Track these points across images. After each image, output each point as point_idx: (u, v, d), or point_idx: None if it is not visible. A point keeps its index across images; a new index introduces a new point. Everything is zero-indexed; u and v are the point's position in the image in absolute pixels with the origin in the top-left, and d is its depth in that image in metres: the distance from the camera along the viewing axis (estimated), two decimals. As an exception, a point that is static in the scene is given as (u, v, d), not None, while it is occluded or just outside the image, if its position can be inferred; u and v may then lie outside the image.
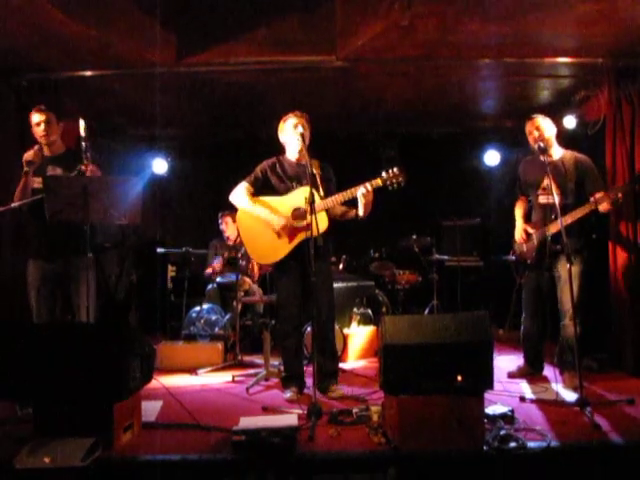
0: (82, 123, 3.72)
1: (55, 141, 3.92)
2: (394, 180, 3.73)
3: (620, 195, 3.92)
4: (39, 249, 3.86)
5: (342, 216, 4.05)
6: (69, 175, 3.76)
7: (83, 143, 3.72)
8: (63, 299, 3.91)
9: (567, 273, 3.83)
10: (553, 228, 4.05)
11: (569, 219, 3.90)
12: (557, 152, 4.19)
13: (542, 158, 4.14)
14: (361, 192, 3.74)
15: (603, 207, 3.96)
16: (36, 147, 3.73)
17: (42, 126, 3.83)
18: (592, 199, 3.98)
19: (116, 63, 4.74)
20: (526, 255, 4.25)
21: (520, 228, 4.35)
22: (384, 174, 3.75)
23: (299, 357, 4.10)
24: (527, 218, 4.41)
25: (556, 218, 3.99)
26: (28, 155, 3.69)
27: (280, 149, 4.14)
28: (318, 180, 3.91)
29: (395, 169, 3.75)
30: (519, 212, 4.45)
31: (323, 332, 3.93)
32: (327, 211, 3.90)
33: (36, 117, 3.85)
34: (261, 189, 4.03)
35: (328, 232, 3.91)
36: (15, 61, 4.60)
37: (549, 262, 4.14)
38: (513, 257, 4.45)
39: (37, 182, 3.73)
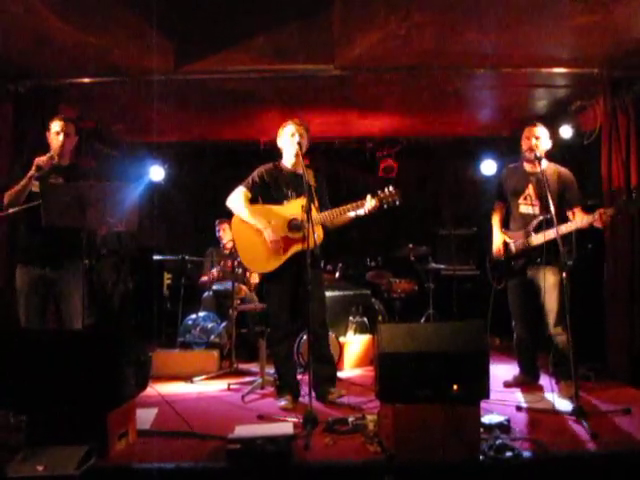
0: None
1: (67, 152, 3.91)
2: (389, 199, 3.78)
3: (605, 221, 3.84)
4: (30, 255, 3.84)
5: (339, 226, 4.09)
6: (66, 182, 3.76)
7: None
8: (54, 305, 3.89)
9: (548, 283, 3.88)
10: (534, 241, 4.07)
11: (551, 235, 3.86)
12: (542, 164, 4.21)
13: (527, 167, 4.18)
14: (357, 214, 3.86)
15: (583, 224, 3.90)
16: (50, 154, 3.71)
17: (61, 136, 3.83)
18: (577, 218, 3.97)
19: (114, 70, 4.74)
20: (513, 258, 4.25)
21: (499, 239, 4.35)
22: (380, 193, 3.80)
23: (290, 364, 4.11)
24: (504, 225, 4.43)
25: (536, 230, 4.03)
26: (41, 160, 3.65)
27: (278, 155, 4.16)
28: (313, 191, 3.92)
29: (391, 188, 3.80)
30: (496, 220, 4.47)
31: (316, 340, 3.93)
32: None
33: (57, 126, 3.85)
34: (258, 194, 4.04)
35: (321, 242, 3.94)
36: (13, 68, 4.60)
37: (528, 272, 4.17)
38: (489, 264, 4.46)
39: (35, 185, 3.72)
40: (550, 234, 3.87)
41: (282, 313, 3.98)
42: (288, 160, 4.06)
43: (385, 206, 3.80)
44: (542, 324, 4.19)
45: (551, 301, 4.03)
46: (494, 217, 4.49)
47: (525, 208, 4.23)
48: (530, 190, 4.19)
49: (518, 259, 4.21)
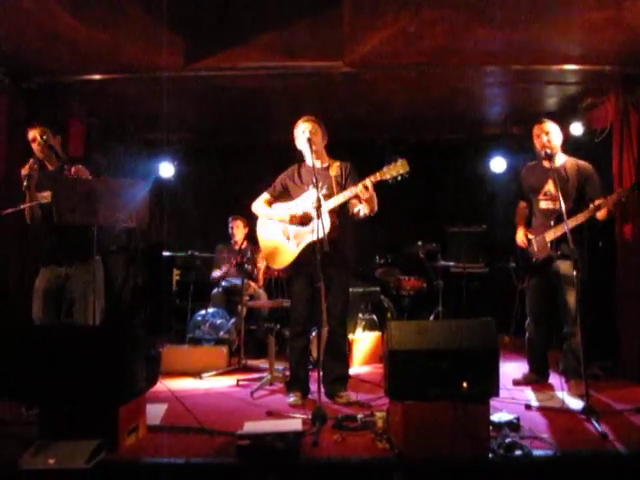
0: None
1: (52, 155, 3.91)
2: (395, 173, 3.58)
3: (617, 200, 3.87)
4: (45, 253, 3.88)
5: (355, 215, 3.96)
6: (77, 178, 3.77)
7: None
8: (69, 302, 3.91)
9: (567, 279, 3.86)
10: (552, 234, 4.05)
11: (569, 225, 3.84)
12: (560, 158, 4.19)
13: (545, 164, 4.15)
14: (359, 189, 3.65)
15: (601, 214, 3.93)
16: (31, 160, 3.74)
17: (37, 141, 3.85)
18: (591, 205, 3.95)
19: (124, 67, 4.76)
20: (536, 255, 4.23)
21: (521, 233, 4.34)
22: (385, 168, 3.61)
23: (304, 361, 4.10)
24: (527, 223, 4.40)
25: (556, 224, 4.01)
26: (24, 169, 3.70)
27: (297, 153, 4.15)
28: (334, 182, 3.92)
29: (398, 161, 3.59)
30: (519, 217, 4.46)
31: (333, 337, 3.94)
32: (344, 212, 3.90)
33: (30, 134, 3.87)
34: (282, 198, 4.10)
35: (344, 238, 3.92)
36: (25, 65, 4.63)
37: (549, 268, 4.13)
38: (513, 263, 4.44)
39: (44, 197, 3.75)
40: (561, 229, 3.86)
41: (300, 309, 3.99)
42: (307, 158, 4.06)
43: (391, 181, 3.60)
44: (556, 323, 4.17)
45: (570, 299, 4.01)
46: (517, 215, 4.47)
47: (545, 204, 4.20)
48: (550, 186, 4.16)
49: (539, 256, 4.18)
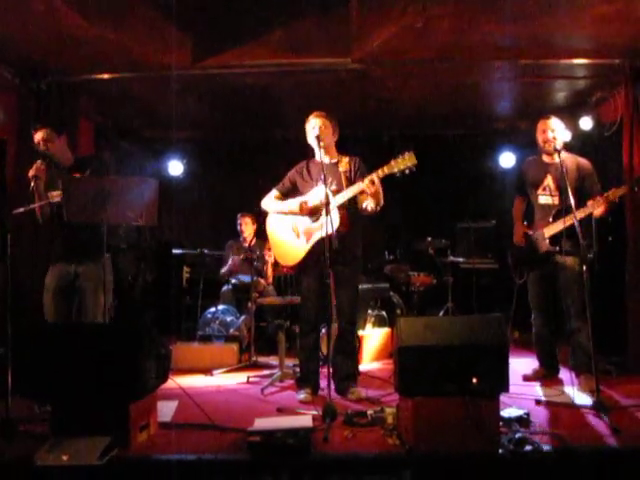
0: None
1: (60, 154, 3.92)
2: (402, 166, 3.59)
3: (615, 198, 3.84)
4: (56, 251, 3.91)
5: (364, 210, 3.94)
6: (88, 176, 3.80)
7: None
8: (79, 300, 3.94)
9: (569, 275, 3.85)
10: (551, 230, 4.04)
11: (567, 222, 3.84)
12: (561, 154, 4.17)
13: (545, 159, 4.15)
14: (365, 184, 3.65)
15: (598, 212, 3.89)
16: (38, 162, 3.73)
17: (41, 144, 3.86)
18: (589, 203, 3.92)
19: (133, 66, 4.79)
20: (533, 251, 4.22)
21: (519, 231, 4.33)
22: (392, 161, 3.63)
23: (314, 358, 4.11)
24: (528, 219, 4.39)
25: (554, 220, 4.00)
26: (31, 171, 3.69)
27: (307, 150, 4.15)
28: (343, 178, 3.91)
29: (405, 154, 3.61)
30: (517, 213, 4.45)
31: (343, 334, 3.94)
32: (354, 207, 3.89)
33: (35, 136, 3.87)
34: (290, 194, 4.09)
35: (353, 234, 3.91)
36: (35, 65, 4.67)
37: (549, 263, 4.13)
38: (509, 259, 4.43)
39: (56, 195, 3.76)
40: (566, 222, 3.84)
41: (309, 306, 3.99)
42: (317, 153, 4.06)
43: (398, 174, 3.62)
44: (562, 317, 4.16)
45: (572, 294, 4.01)
46: (514, 211, 4.46)
47: (544, 199, 4.20)
48: (549, 181, 4.17)
49: (538, 251, 4.18)
